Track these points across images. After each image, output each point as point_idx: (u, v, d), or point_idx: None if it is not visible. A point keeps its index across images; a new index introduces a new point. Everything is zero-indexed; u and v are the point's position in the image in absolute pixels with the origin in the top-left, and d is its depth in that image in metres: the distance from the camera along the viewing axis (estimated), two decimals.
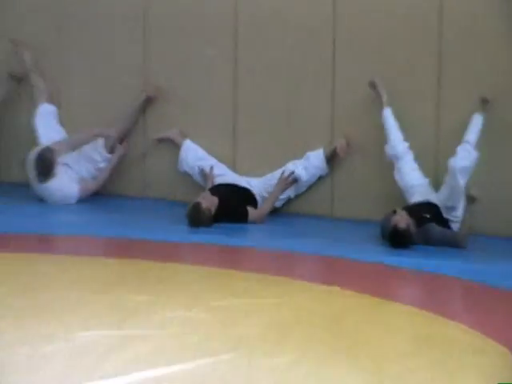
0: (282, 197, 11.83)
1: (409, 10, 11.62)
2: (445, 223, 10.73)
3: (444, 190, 10.88)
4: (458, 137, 11.00)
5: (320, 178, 11.90)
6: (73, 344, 6.98)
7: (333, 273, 10.04)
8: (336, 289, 9.12)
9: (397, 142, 11.20)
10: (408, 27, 11.60)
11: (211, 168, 11.97)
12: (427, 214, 10.72)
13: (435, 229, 10.63)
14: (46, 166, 12.26)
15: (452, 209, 10.75)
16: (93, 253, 10.97)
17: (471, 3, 11.32)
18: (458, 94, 11.29)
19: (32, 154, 12.41)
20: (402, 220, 10.40)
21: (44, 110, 12.93)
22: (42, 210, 12.22)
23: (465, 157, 10.78)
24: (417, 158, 11.23)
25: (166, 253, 10.45)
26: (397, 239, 10.38)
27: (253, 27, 12.30)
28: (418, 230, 10.50)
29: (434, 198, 10.93)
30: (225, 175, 11.97)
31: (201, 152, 12.24)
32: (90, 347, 6.95)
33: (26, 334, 7.21)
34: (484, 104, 10.93)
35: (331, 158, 11.74)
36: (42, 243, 11.18)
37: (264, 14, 12.22)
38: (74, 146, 12.62)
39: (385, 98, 11.37)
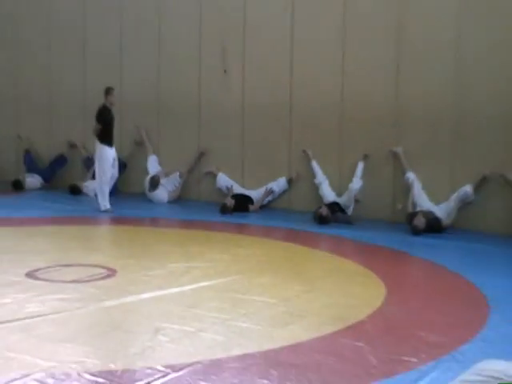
0: (266, 199, 11.86)
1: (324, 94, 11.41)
2: (344, 212, 10.75)
3: (344, 197, 10.87)
4: (352, 172, 11.03)
5: (284, 191, 11.90)
6: (165, 270, 7.54)
7: (289, 236, 10.08)
8: (291, 244, 9.43)
9: (320, 177, 11.31)
10: (324, 109, 11.43)
11: (232, 186, 12.00)
12: (336, 208, 10.73)
13: (340, 215, 10.70)
14: (155, 183, 12.38)
15: (348, 206, 10.79)
16: (173, 226, 11.14)
17: (367, 93, 11.03)
18: (352, 150, 11.18)
19: (147, 178, 12.54)
20: (324, 211, 10.52)
21: (151, 158, 12.93)
22: (151, 206, 12.26)
23: (356, 183, 10.83)
24: (330, 183, 11.26)
25: (209, 226, 10.56)
26: (321, 221, 10.46)
27: (253, 114, 12.12)
28: (332, 215, 10.57)
29: (338, 200, 10.89)
30: (238, 189, 11.99)
31: (227, 178, 12.18)
32: (173, 272, 7.49)
33: (142, 266, 7.68)
34: (365, 157, 10.94)
35: (290, 181, 11.81)
36: (150, 222, 11.36)
37: (251, 107, 12.13)
38: (165, 174, 12.59)
39: (311, 155, 11.48)
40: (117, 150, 13.01)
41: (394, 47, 10.79)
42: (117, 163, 11.75)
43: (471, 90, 10.21)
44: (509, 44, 9.90)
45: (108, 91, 11.42)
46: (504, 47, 9.95)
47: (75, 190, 13.17)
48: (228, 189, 12.05)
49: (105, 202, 11.32)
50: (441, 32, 10.40)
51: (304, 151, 11.61)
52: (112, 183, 11.87)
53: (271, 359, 4.87)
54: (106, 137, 11.30)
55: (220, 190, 12.26)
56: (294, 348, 5.12)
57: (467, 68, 10.23)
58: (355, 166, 11.04)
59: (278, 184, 11.87)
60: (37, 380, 4.37)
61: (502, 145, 10.03)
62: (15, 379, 4.35)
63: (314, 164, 11.44)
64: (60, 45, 14.24)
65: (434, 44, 10.47)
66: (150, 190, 12.55)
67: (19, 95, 14.79)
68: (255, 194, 11.86)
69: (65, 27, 14.13)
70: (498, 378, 3.28)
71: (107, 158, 11.35)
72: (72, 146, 14.03)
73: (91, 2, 13.87)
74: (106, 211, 11.26)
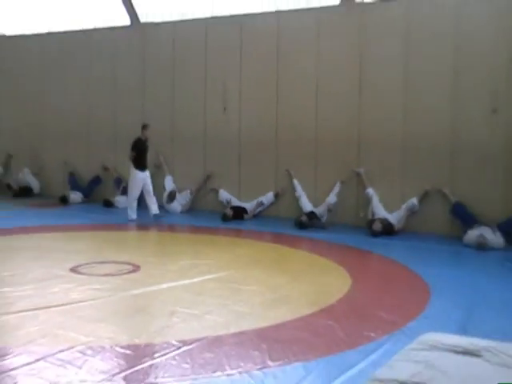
0: (257, 210, 11.77)
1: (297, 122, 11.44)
2: (319, 219, 10.73)
3: (321, 207, 10.84)
4: (324, 188, 11.07)
5: (272, 203, 11.82)
6: (177, 266, 7.55)
7: (276, 239, 9.95)
8: (277, 245, 9.37)
9: (299, 191, 11.29)
10: (302, 134, 11.44)
11: (230, 199, 11.98)
12: (313, 216, 10.70)
13: (316, 222, 10.66)
14: (172, 197, 12.29)
15: (323, 215, 10.81)
16: (184, 231, 11.04)
17: (336, 126, 11.08)
18: (324, 170, 11.21)
19: (166, 193, 12.43)
20: (303, 218, 10.54)
21: (167, 177, 12.85)
22: (167, 215, 12.02)
23: (331, 199, 10.83)
24: (307, 196, 11.21)
25: (212, 231, 10.49)
26: (301, 226, 10.45)
27: (247, 143, 12.12)
28: (310, 222, 10.55)
29: (315, 210, 10.85)
30: (235, 202, 11.93)
31: (226, 193, 12.13)
32: (184, 267, 7.49)
33: (160, 263, 7.73)
34: (342, 182, 10.92)
35: (276, 195, 11.75)
36: (166, 228, 11.19)
37: (245, 138, 12.11)
38: (179, 191, 12.53)
39: (292, 174, 11.47)
40: None
41: (357, 91, 10.87)
42: (150, 181, 11.52)
43: (416, 127, 10.34)
44: (442, 85, 10.09)
45: (144, 127, 11.28)
46: (439, 87, 10.13)
47: (108, 204, 13.18)
48: (228, 201, 12.00)
49: (132, 213, 11.26)
50: (391, 81, 10.54)
51: (287, 171, 11.59)
52: (154, 198, 11.62)
53: (261, 335, 4.91)
54: (138, 163, 11.17)
55: (221, 202, 12.17)
56: (279, 326, 5.18)
57: (413, 113, 10.38)
58: (327, 182, 11.03)
59: (267, 197, 11.82)
60: (79, 351, 4.45)
61: (438, 167, 10.17)
62: (62, 350, 4.45)
63: (295, 181, 11.42)
64: (95, 89, 14.30)
65: (387, 93, 10.61)
66: (167, 203, 12.46)
67: (66, 131, 14.76)
68: (249, 205, 11.79)
69: (100, 76, 14.18)
70: (435, 347, 3.40)
71: (138, 180, 11.20)
72: (105, 169, 14.06)
73: (122, 51, 13.86)
74: (131, 220, 11.22)
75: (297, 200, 11.33)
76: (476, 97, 9.79)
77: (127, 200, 11.59)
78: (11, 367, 4.14)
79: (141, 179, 11.27)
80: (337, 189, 10.95)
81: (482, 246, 8.95)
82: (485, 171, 9.75)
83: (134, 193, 11.31)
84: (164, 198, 12.58)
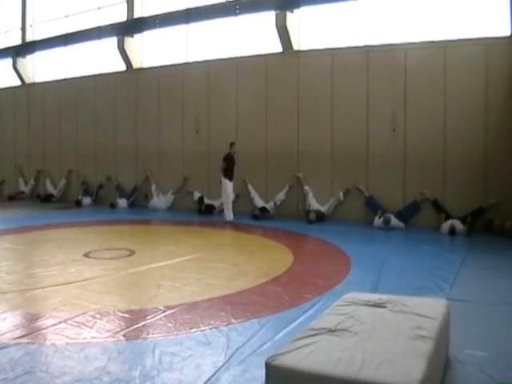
0: (222, 206, 11.09)
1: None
2: (269, 212, 10.62)
3: (271, 203, 10.69)
4: (272, 190, 10.92)
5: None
6: (163, 250, 7.38)
7: (236, 227, 9.66)
8: (237, 232, 9.20)
9: (253, 193, 11.06)
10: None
11: (203, 198, 11.73)
12: (264, 210, 10.56)
13: (267, 214, 10.55)
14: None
15: (272, 208, 10.67)
16: (167, 224, 10.54)
17: (281, 143, 10.97)
18: (273, 176, 11.04)
19: (154, 198, 12.29)
20: (257, 212, 10.49)
21: (153, 185, 12.50)
22: (154, 212, 11.84)
23: (280, 196, 10.72)
24: (259, 195, 11.03)
25: (189, 223, 10.27)
26: (255, 218, 10.38)
27: (214, 158, 11.52)
28: (261, 214, 10.47)
29: (266, 205, 10.71)
30: (206, 200, 11.57)
31: (199, 193, 11.80)
32: (168, 251, 7.29)
33: (150, 248, 7.51)
34: (290, 187, 10.74)
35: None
36: (154, 221, 10.93)
37: (213, 153, 11.44)
38: (163, 193, 12.31)
39: (247, 181, 11.19)
40: (133, 182, 12.92)
41: (296, 117, 10.84)
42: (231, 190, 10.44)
43: (340, 142, 10.37)
44: (358, 111, 10.14)
45: (231, 144, 10.34)
46: (356, 113, 10.17)
47: (112, 206, 12.88)
48: (201, 200, 11.72)
49: (229, 214, 10.27)
50: (322, 109, 10.51)
51: (243, 179, 11.28)
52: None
53: (226, 300, 4.96)
54: (228, 173, 10.20)
55: (196, 201, 11.90)
56: (240, 293, 5.18)
57: (337, 132, 10.39)
58: (275, 184, 10.91)
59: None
60: (90, 315, 4.43)
61: (356, 171, 10.21)
62: (78, 315, 4.44)
63: (249, 186, 11.19)
64: (99, 118, 13.94)
65: (318, 119, 10.59)
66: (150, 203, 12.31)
67: (78, 152, 14.44)
68: (216, 203, 11.52)
69: (102, 110, 13.84)
70: (354, 303, 3.50)
71: (229, 187, 10.23)
72: (108, 178, 13.71)
73: (119, 90, 13.53)
74: (230, 221, 10.18)
75: (251, 199, 11.14)
76: (381, 120, 9.92)
77: (224, 205, 10.38)
78: (42, 327, 4.16)
79: (230, 186, 10.27)
80: (286, 189, 10.80)
81: (386, 221, 9.17)
82: (389, 173, 9.86)
83: (228, 197, 10.29)
84: (151, 200, 12.38)
